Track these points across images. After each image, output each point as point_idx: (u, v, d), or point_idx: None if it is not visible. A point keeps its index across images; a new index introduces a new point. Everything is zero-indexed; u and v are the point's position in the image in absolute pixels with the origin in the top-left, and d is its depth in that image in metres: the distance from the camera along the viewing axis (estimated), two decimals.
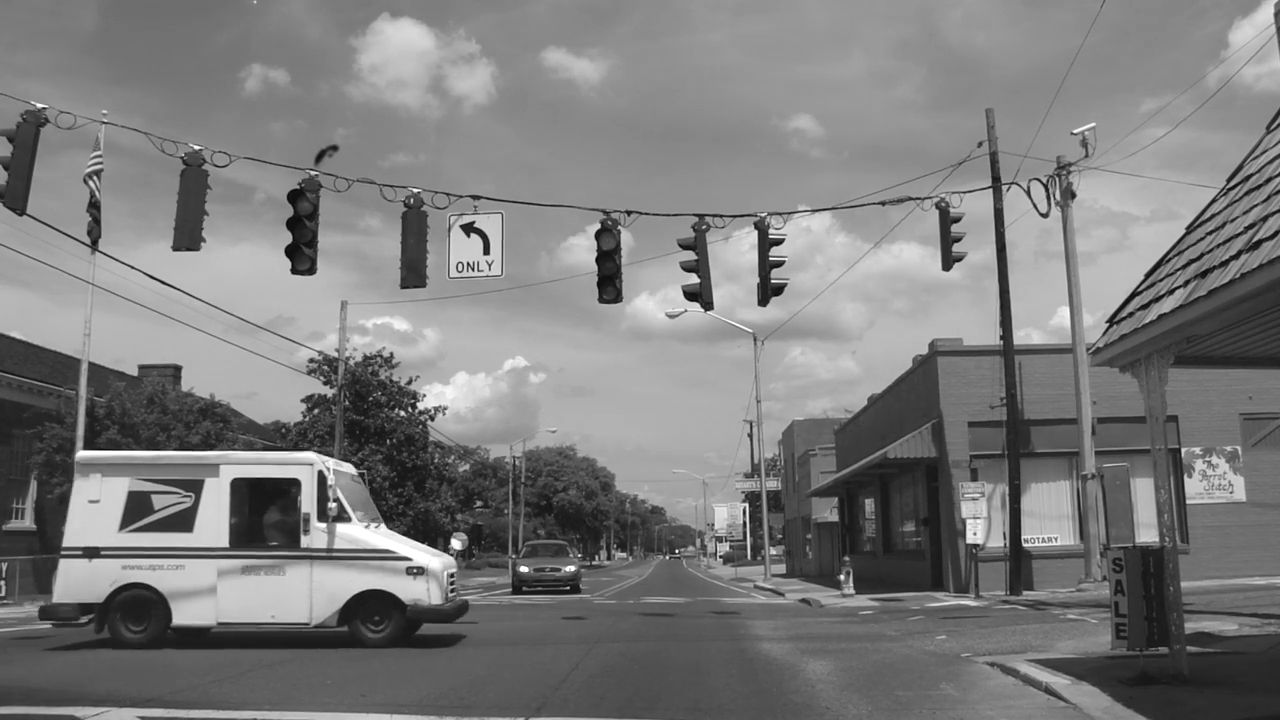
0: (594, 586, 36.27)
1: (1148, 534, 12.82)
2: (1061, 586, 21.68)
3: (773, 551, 52.90)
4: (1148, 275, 8.52)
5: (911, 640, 13.14)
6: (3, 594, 23.53)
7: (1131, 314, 8.27)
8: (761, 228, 15.21)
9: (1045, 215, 21.34)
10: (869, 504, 35.48)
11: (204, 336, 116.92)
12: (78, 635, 13.78)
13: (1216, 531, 23.22)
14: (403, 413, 45.33)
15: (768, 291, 15.28)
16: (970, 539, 21.94)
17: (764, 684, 9.25)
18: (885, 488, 32.04)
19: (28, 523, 28.78)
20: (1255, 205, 7.18)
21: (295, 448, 42.91)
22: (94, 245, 18.16)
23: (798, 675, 9.80)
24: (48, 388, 28.52)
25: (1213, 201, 8.40)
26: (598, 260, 14.64)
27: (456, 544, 17.80)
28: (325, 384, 42.24)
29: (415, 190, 14.09)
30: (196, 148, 13.18)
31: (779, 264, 15.33)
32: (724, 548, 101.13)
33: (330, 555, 13.11)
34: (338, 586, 13.04)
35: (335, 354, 38.16)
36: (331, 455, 36.78)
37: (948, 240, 16.79)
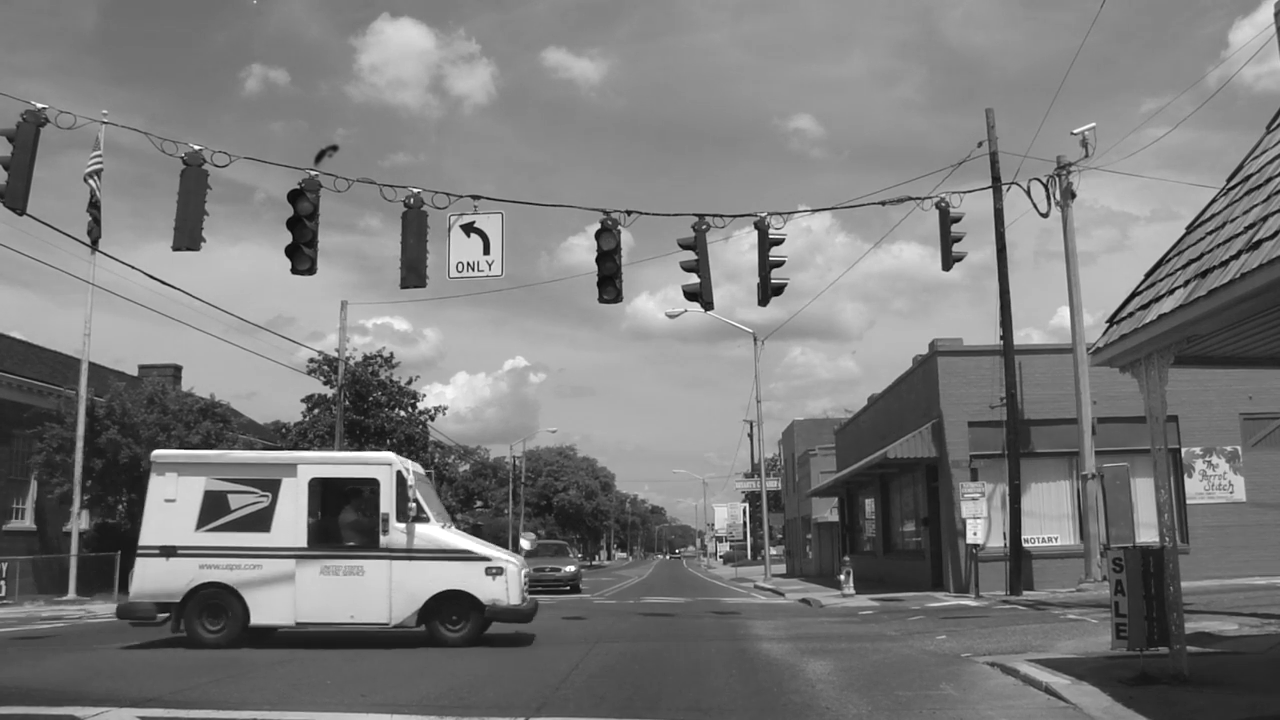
0: (594, 586, 36.28)
1: (1148, 534, 12.82)
2: (1061, 586, 21.68)
3: (773, 551, 52.89)
4: (1148, 275, 8.52)
5: (911, 640, 13.14)
6: (3, 594, 23.51)
7: (1131, 314, 8.27)
8: (761, 228, 15.21)
9: (1045, 215, 21.34)
10: (869, 504, 35.48)
11: (204, 336, 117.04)
12: (75, 636, 13.76)
13: (1216, 531, 23.22)
14: (403, 413, 45.30)
15: (768, 291, 15.27)
16: (970, 539, 21.94)
17: (764, 684, 9.26)
18: (885, 488, 32.04)
19: (28, 523, 28.77)
20: (1255, 205, 7.18)
21: (295, 448, 42.87)
22: (94, 245, 18.18)
23: (798, 675, 9.80)
24: (48, 388, 28.50)
25: (1213, 201, 8.40)
26: (598, 260, 14.64)
27: (526, 544, 17.88)
28: (325, 384, 42.22)
29: (415, 190, 14.08)
30: (196, 148, 13.17)
31: (779, 264, 15.33)
32: (724, 548, 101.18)
33: (409, 555, 13.13)
34: (417, 586, 13.05)
35: (335, 354, 38.17)
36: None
37: (948, 240, 16.79)
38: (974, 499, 21.93)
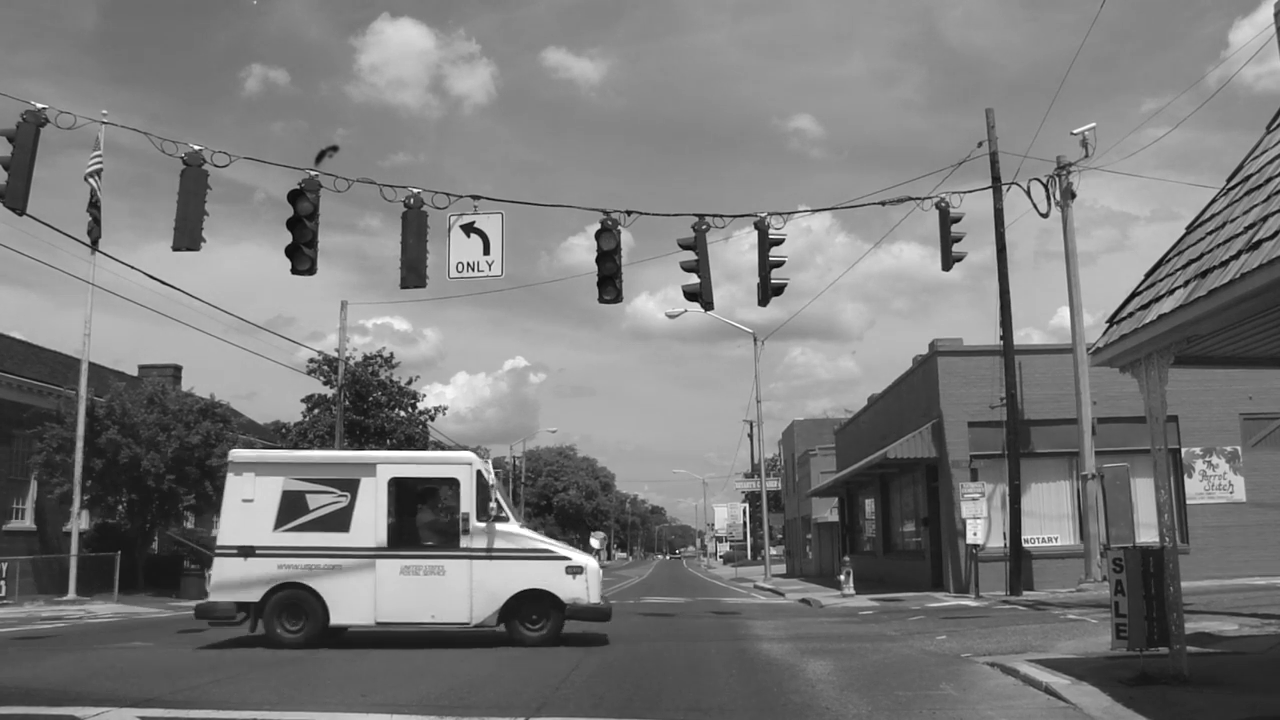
0: None
1: (1148, 534, 12.81)
2: (1061, 586, 21.68)
3: (773, 551, 52.90)
4: (1148, 275, 8.52)
5: (911, 640, 13.14)
6: (3, 594, 23.51)
7: (1131, 314, 8.27)
8: (761, 228, 15.21)
9: (1045, 215, 21.35)
10: (869, 504, 35.48)
11: (204, 336, 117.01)
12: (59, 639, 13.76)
13: (1216, 531, 23.22)
14: (403, 413, 45.29)
15: (768, 291, 15.27)
16: (970, 539, 21.94)
17: (764, 684, 9.25)
18: (885, 488, 32.04)
19: (28, 523, 28.76)
20: (1255, 205, 7.18)
21: (295, 448, 42.90)
22: (94, 245, 18.17)
23: (798, 675, 9.80)
24: (48, 388, 28.49)
25: (1213, 201, 8.40)
26: (598, 260, 14.64)
27: (595, 542, 17.88)
28: (325, 384, 42.22)
29: (415, 190, 14.08)
30: (196, 148, 13.17)
31: (779, 264, 15.33)
32: (724, 548, 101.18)
33: (490, 554, 13.13)
34: (498, 586, 13.05)
35: (335, 354, 38.16)
36: None
37: (948, 240, 16.78)
38: (974, 499, 21.93)
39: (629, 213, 14.95)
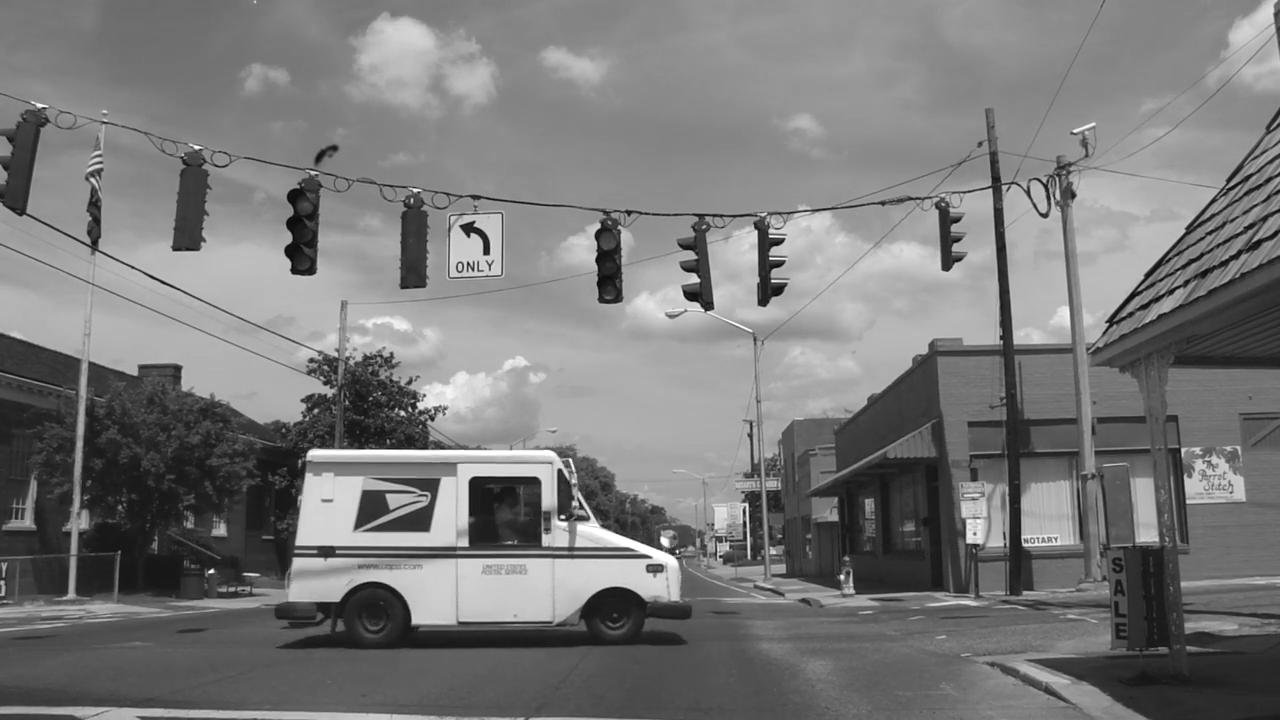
0: None
1: (1148, 534, 12.82)
2: (1061, 586, 21.68)
3: (773, 551, 52.88)
4: (1148, 275, 8.52)
5: (911, 640, 13.14)
6: (3, 594, 23.51)
7: (1131, 314, 8.27)
8: (761, 228, 15.21)
9: (1045, 215, 21.35)
10: (869, 504, 35.48)
11: (204, 336, 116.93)
12: (61, 637, 13.76)
13: (1216, 531, 23.22)
14: (403, 413, 45.27)
15: (768, 291, 15.27)
16: (970, 539, 21.95)
17: (764, 684, 9.25)
18: (885, 488, 32.04)
19: (28, 523, 28.74)
20: (1255, 205, 7.18)
21: (295, 447, 42.87)
22: (94, 245, 18.20)
23: (798, 675, 9.80)
24: (48, 388, 28.48)
25: (1212, 201, 8.40)
26: (598, 260, 14.64)
27: (666, 541, 17.98)
28: (325, 384, 42.21)
29: (415, 190, 14.08)
30: (196, 148, 13.17)
31: (779, 264, 15.33)
32: (724, 547, 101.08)
33: (572, 553, 13.16)
34: (580, 584, 13.09)
35: (335, 354, 38.16)
36: None
37: (948, 240, 16.78)
38: (974, 499, 21.94)
39: (629, 213, 14.95)
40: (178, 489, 27.94)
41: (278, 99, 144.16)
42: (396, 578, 13.05)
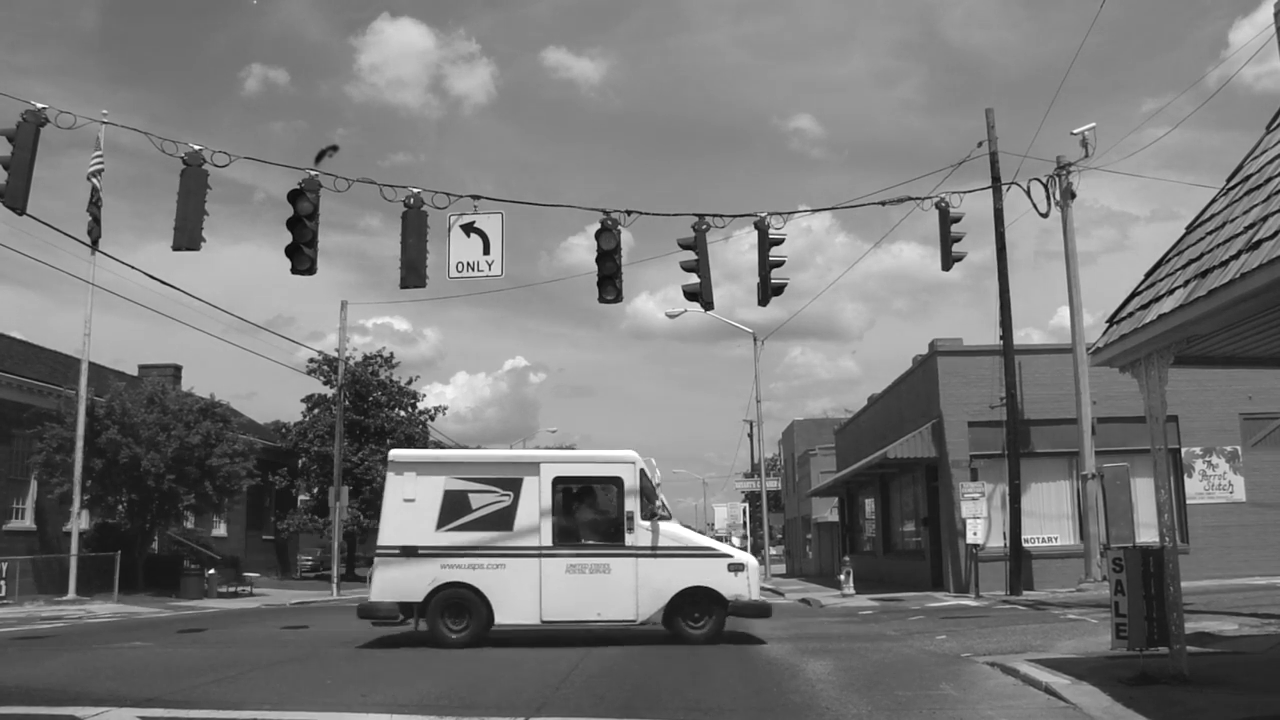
0: None
1: (1148, 534, 12.83)
2: (1061, 586, 21.68)
3: (773, 551, 52.90)
4: (1148, 275, 8.52)
5: (911, 640, 13.14)
6: (3, 594, 23.52)
7: (1131, 314, 8.27)
8: (761, 228, 15.20)
9: (1045, 215, 21.35)
10: (869, 504, 35.48)
11: (204, 336, 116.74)
12: (63, 637, 13.75)
13: (1216, 531, 23.22)
14: (403, 413, 45.33)
15: (768, 291, 15.26)
16: (970, 539, 21.95)
17: (764, 684, 9.25)
18: (885, 488, 32.04)
19: (28, 523, 28.76)
20: (1255, 205, 7.18)
21: (295, 447, 42.93)
22: (94, 245, 18.17)
23: (798, 675, 9.80)
24: (48, 388, 28.49)
25: (1212, 201, 8.40)
26: (598, 260, 14.62)
27: (736, 540, 17.94)
28: (325, 384, 42.25)
29: (415, 190, 14.07)
30: (196, 148, 13.15)
31: (779, 264, 15.31)
32: None
33: (655, 552, 13.20)
34: (663, 583, 13.12)
35: (335, 354, 38.17)
36: (331, 454, 36.88)
37: (948, 240, 16.77)
38: (974, 499, 21.93)
39: (629, 213, 14.93)
40: (178, 489, 27.96)
41: (278, 99, 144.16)
42: (479, 577, 13.04)
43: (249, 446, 31.71)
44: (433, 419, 46.58)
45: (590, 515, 13.92)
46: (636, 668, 10.61)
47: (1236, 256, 6.68)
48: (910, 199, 17.49)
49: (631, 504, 13.29)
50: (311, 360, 42.34)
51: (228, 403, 31.80)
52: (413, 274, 13.98)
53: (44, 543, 28.35)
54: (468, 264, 14.46)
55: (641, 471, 13.49)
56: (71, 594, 24.50)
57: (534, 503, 13.29)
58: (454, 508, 13.25)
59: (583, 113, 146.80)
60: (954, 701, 8.01)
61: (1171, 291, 7.56)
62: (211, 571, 29.56)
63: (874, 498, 33.92)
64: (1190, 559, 19.46)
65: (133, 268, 36.40)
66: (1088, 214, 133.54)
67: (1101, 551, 20.38)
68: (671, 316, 39.62)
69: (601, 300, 14.67)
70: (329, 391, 41.57)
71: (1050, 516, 23.83)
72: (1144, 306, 8.06)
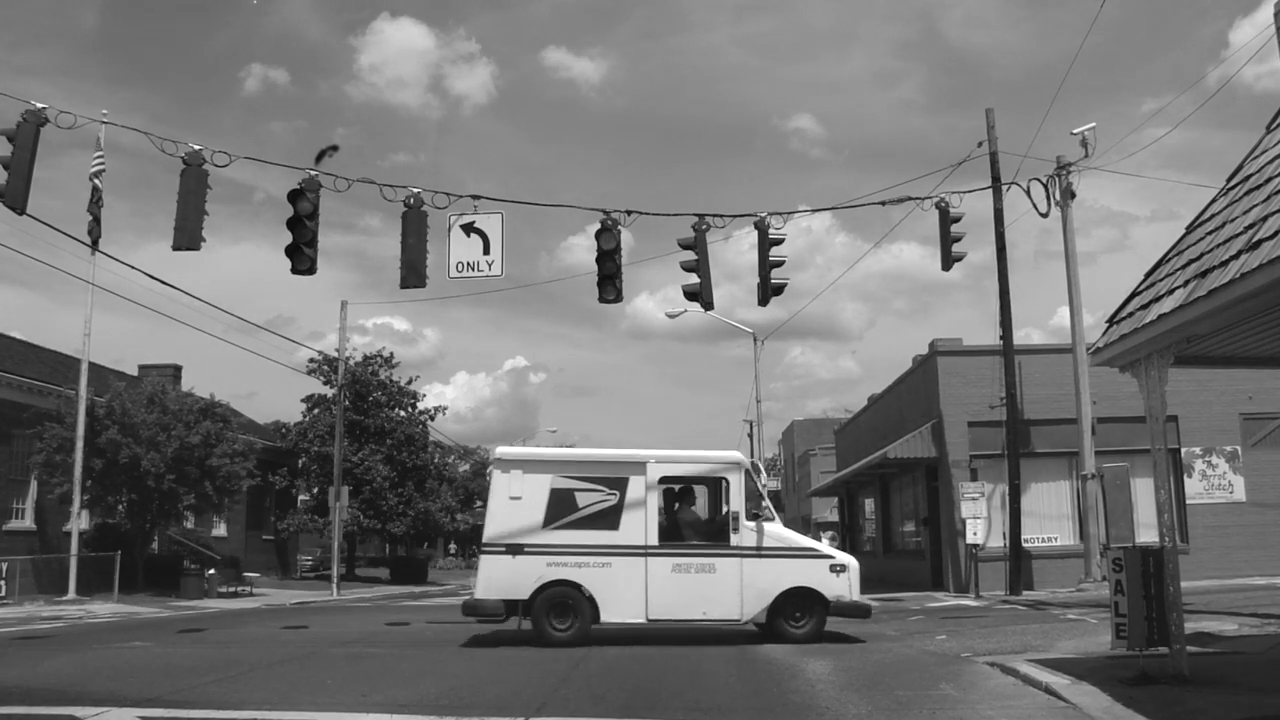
0: None
1: (1148, 534, 12.81)
2: (1061, 586, 21.68)
3: None
4: (1147, 275, 8.52)
5: (911, 640, 13.15)
6: (3, 594, 23.51)
7: (1131, 314, 8.27)
8: (761, 228, 15.21)
9: (1045, 215, 21.36)
10: (869, 504, 35.49)
11: (204, 336, 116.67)
12: (69, 634, 13.74)
13: (1216, 531, 23.22)
14: (403, 413, 45.33)
15: (768, 291, 15.27)
16: (970, 539, 21.95)
17: (764, 684, 9.25)
18: (885, 488, 32.05)
19: (28, 523, 28.75)
20: (1255, 205, 7.18)
21: (295, 447, 42.92)
22: (94, 245, 18.18)
23: (797, 675, 9.80)
24: (48, 388, 28.48)
25: (1212, 201, 8.40)
26: (598, 260, 14.63)
27: (825, 541, 17.96)
28: (325, 384, 42.25)
29: (415, 190, 14.07)
30: (196, 147, 13.16)
31: (779, 264, 15.32)
32: None
33: (759, 553, 13.22)
34: (767, 583, 13.14)
35: (335, 354, 38.19)
36: (331, 454, 36.88)
37: (948, 240, 16.78)
38: (974, 499, 21.94)
39: (629, 213, 14.94)
40: (178, 489, 27.95)
41: (278, 99, 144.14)
42: (585, 576, 13.03)
43: (249, 446, 31.70)
44: (433, 419, 46.64)
45: (694, 515, 13.96)
46: (637, 668, 10.60)
47: (1236, 256, 6.68)
48: (910, 199, 17.51)
49: (737, 504, 13.30)
50: (311, 360, 42.38)
51: (228, 403, 31.81)
52: (413, 274, 13.98)
53: (44, 543, 28.35)
54: (468, 264, 14.46)
55: (747, 472, 13.55)
56: (71, 594, 24.50)
57: (640, 502, 13.28)
58: (560, 506, 13.25)
59: (583, 113, 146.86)
60: (954, 701, 8.01)
61: (1171, 291, 7.56)
62: (211, 571, 29.55)
63: (874, 498, 33.92)
64: (1190, 559, 19.45)
65: (133, 268, 36.55)
66: (1088, 214, 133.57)
67: (1101, 551, 20.38)
68: (671, 316, 39.64)
69: (602, 300, 14.67)
70: (329, 391, 41.57)
71: (1050, 516, 23.83)
72: (1144, 306, 8.07)
